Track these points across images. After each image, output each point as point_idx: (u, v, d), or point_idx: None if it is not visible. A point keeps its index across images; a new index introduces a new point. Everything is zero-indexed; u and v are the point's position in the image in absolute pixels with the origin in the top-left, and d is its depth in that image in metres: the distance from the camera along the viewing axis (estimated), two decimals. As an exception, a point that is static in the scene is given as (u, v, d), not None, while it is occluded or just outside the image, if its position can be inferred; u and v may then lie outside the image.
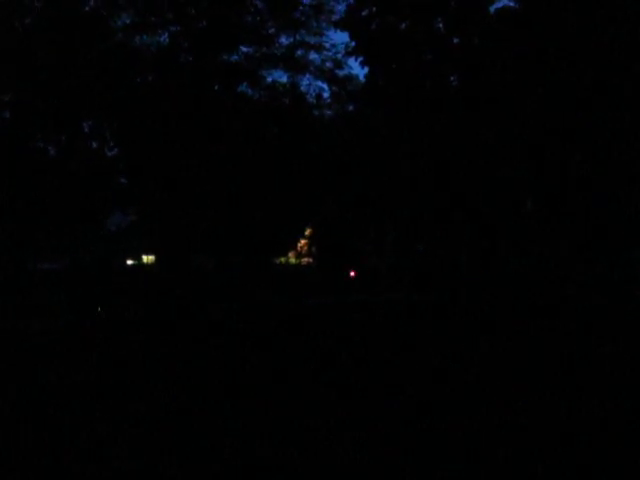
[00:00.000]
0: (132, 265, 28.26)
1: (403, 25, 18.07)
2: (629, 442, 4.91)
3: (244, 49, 20.33)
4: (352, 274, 22.12)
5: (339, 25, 19.07)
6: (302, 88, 21.61)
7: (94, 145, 19.97)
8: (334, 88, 21.92)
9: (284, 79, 21.71)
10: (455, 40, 17.83)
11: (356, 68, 21.30)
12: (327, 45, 21.01)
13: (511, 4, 16.95)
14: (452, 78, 18.28)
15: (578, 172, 15.81)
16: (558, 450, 4.76)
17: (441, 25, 17.97)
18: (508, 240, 16.93)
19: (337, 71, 21.37)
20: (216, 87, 20.06)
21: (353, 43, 18.83)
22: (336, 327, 11.76)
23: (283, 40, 20.75)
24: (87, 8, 18.65)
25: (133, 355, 8.60)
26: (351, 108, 21.98)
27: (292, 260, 27.63)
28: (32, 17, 18.19)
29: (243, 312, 13.77)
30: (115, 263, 23.92)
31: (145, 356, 8.54)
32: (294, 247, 26.72)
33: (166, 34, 19.52)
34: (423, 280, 17.79)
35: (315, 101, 21.88)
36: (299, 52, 21.02)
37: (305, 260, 27.05)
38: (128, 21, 19.16)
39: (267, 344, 9.66)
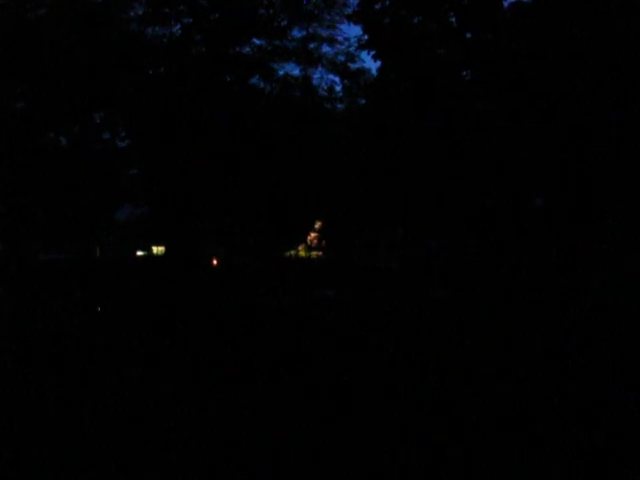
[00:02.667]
0: (142, 256, 28.37)
1: (416, 19, 17.95)
2: (630, 442, 4.86)
3: (256, 41, 20.34)
4: (214, 262, 21.87)
5: (352, 18, 18.95)
6: (314, 81, 21.58)
7: (106, 136, 20.14)
8: (346, 81, 21.87)
9: (296, 72, 21.67)
10: (468, 35, 17.67)
11: (368, 62, 21.27)
12: (340, 38, 20.91)
13: None
14: (465, 73, 18.11)
15: (598, 170, 15.58)
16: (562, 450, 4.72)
17: (454, 19, 17.83)
18: (521, 238, 16.77)
19: (349, 64, 21.31)
20: (228, 79, 20.09)
21: (366, 36, 18.74)
22: (344, 322, 11.71)
23: (295, 33, 20.70)
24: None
25: (131, 352, 8.57)
26: (363, 102, 21.90)
27: (302, 253, 27.64)
28: (44, 8, 18.31)
29: (251, 305, 13.77)
30: (120, 254, 24.06)
31: (144, 351, 8.52)
32: (304, 240, 26.74)
33: (178, 26, 19.59)
34: (435, 276, 17.70)
35: (327, 94, 21.87)
36: (311, 45, 20.95)
37: (315, 253, 27.05)
38: (140, 12, 19.25)
39: (274, 338, 9.65)
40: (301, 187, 19.76)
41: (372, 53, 18.31)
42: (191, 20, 19.31)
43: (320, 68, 21.21)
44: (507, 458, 4.57)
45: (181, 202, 18.76)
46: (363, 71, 21.20)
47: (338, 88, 22.06)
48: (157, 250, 28.25)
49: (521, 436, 5.00)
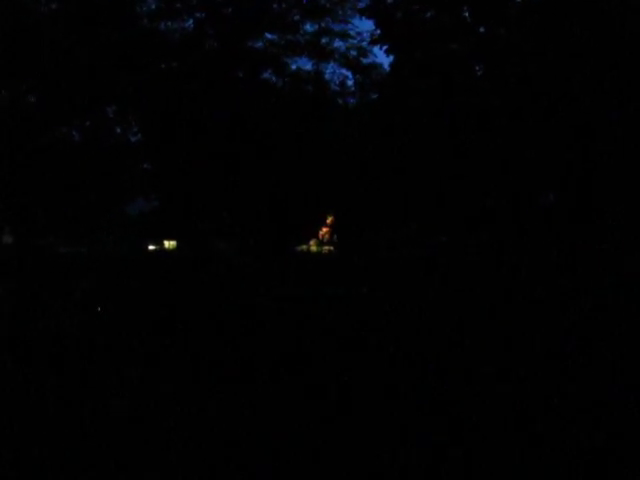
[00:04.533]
0: (153, 250, 28.28)
1: (429, 14, 17.83)
2: (630, 442, 4.87)
3: (269, 36, 20.36)
4: None
5: (364, 13, 18.85)
6: (326, 76, 21.59)
7: (118, 130, 20.19)
8: (358, 76, 21.87)
9: (308, 67, 21.68)
10: (481, 29, 17.54)
11: (380, 57, 21.34)
12: (352, 33, 21.01)
13: None
14: (477, 68, 18.00)
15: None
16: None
17: (467, 14, 17.72)
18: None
19: (362, 59, 21.31)
20: (240, 74, 20.09)
21: (378, 31, 18.62)
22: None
23: (308, 27, 20.73)
24: None
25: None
26: (375, 96, 21.81)
27: (313, 248, 27.60)
28: (57, 2, 18.34)
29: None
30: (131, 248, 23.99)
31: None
32: (316, 235, 26.72)
33: (191, 20, 19.62)
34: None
35: (339, 89, 21.88)
36: (324, 40, 21.01)
37: (326, 249, 27.02)
38: (153, 6, 19.28)
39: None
40: (307, 184, 19.74)
41: (384, 48, 18.21)
42: (204, 14, 19.33)
43: (332, 63, 21.28)
44: (507, 458, 4.57)
45: (187, 199, 18.81)
46: (375, 66, 21.28)
47: (350, 83, 22.07)
48: (169, 245, 28.18)
49: (521, 436, 5.00)
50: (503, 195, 16.79)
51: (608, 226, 15.56)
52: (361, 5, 19.54)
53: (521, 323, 11.09)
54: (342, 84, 21.94)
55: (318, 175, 20.03)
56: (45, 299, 13.32)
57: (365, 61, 21.33)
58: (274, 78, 20.80)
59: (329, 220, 25.61)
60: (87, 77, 17.58)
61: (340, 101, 22.18)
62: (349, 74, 22.63)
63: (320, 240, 27.12)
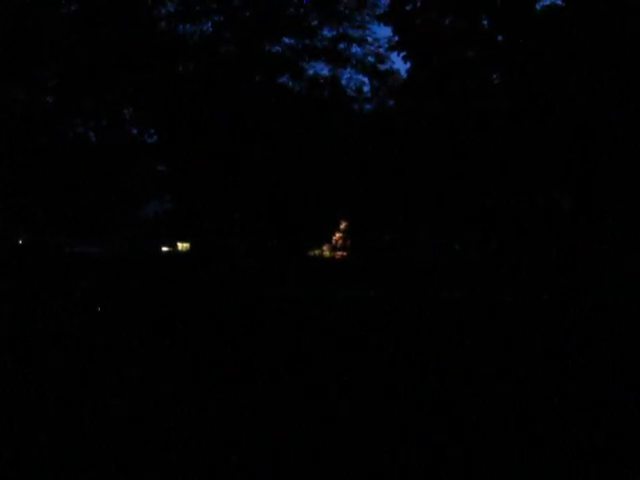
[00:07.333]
0: (166, 252, 28.22)
1: (447, 21, 17.86)
2: (630, 442, 4.87)
3: (286, 40, 20.38)
4: None
5: (382, 19, 18.82)
6: (343, 81, 21.61)
7: (134, 132, 20.23)
8: (375, 82, 21.87)
9: (325, 72, 21.65)
10: (499, 37, 17.58)
11: (397, 63, 21.38)
12: (370, 39, 21.04)
13: (558, 2, 16.56)
14: (495, 76, 18.02)
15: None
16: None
17: (485, 22, 17.75)
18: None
19: (379, 65, 21.32)
20: (257, 78, 20.13)
21: (396, 37, 18.64)
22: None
23: (326, 32, 20.75)
24: None
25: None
26: (391, 103, 21.81)
27: (326, 253, 27.56)
28: (77, 4, 18.37)
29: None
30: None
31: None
32: (329, 240, 26.71)
33: (209, 24, 19.64)
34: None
35: (355, 95, 21.87)
36: (341, 45, 21.03)
37: (339, 254, 26.96)
38: (172, 9, 19.33)
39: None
40: (327, 185, 19.74)
41: (402, 54, 18.26)
42: (221, 18, 19.36)
43: (349, 68, 21.29)
44: (507, 458, 4.57)
45: (195, 200, 18.86)
46: (392, 72, 21.25)
47: (366, 88, 22.07)
48: (182, 247, 28.12)
49: (521, 436, 5.00)
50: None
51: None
52: (379, 11, 19.51)
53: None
54: (359, 90, 21.96)
55: (326, 178, 20.04)
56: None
57: (382, 67, 21.35)
58: (291, 83, 20.83)
59: (343, 225, 25.62)
60: (104, 78, 17.66)
61: (356, 106, 22.19)
62: (366, 80, 22.60)
63: (334, 245, 27.11)
